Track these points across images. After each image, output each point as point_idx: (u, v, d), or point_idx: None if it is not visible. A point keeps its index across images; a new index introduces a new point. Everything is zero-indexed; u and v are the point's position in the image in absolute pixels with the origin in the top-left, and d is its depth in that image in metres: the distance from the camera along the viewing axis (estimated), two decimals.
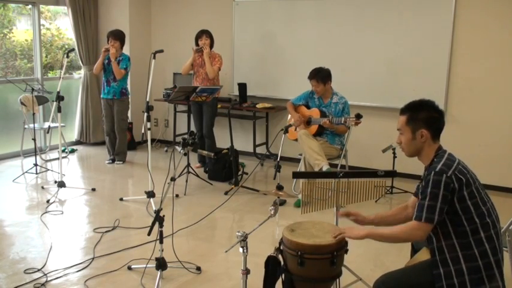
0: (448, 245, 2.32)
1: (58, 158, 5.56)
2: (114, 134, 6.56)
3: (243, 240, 2.68)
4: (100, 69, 6.29)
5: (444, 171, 2.29)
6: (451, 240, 2.31)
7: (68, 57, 5.35)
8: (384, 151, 5.32)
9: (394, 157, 5.39)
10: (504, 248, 2.64)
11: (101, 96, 6.49)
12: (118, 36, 6.17)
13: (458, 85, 5.70)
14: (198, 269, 3.62)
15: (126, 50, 6.89)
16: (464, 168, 2.35)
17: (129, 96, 6.63)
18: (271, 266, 2.77)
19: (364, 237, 2.48)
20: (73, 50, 7.15)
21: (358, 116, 4.80)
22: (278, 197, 4.61)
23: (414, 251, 2.74)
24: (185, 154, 3.46)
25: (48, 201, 5.03)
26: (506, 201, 5.29)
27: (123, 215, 4.70)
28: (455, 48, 5.64)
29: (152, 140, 6.39)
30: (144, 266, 3.55)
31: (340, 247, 2.70)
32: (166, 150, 7.38)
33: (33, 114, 6.27)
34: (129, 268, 3.62)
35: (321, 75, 5.15)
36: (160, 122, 7.85)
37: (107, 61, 6.25)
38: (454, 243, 2.30)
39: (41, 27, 7.10)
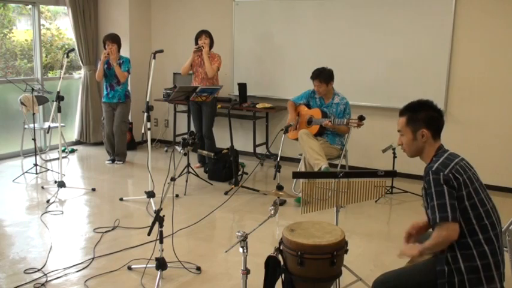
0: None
1: (58, 158, 5.56)
2: (114, 136, 6.55)
3: (243, 240, 2.68)
4: (102, 76, 6.28)
5: (441, 170, 2.30)
6: None
7: (68, 57, 5.35)
8: (384, 151, 5.31)
9: (394, 157, 5.38)
10: (504, 248, 2.64)
11: (103, 100, 6.47)
12: (115, 39, 6.17)
13: (458, 85, 5.70)
14: (198, 269, 3.62)
15: (126, 50, 6.91)
16: (462, 167, 2.34)
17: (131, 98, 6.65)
18: (271, 266, 2.77)
19: (419, 254, 2.43)
20: (73, 50, 7.14)
21: (361, 118, 4.79)
22: (278, 197, 4.60)
23: None
24: (185, 154, 3.46)
25: (48, 201, 5.03)
26: (506, 201, 5.28)
27: (123, 215, 4.70)
28: (455, 48, 5.64)
29: (152, 140, 6.39)
30: (144, 266, 3.55)
31: (340, 247, 2.70)
32: (166, 150, 7.38)
33: (33, 114, 6.26)
34: (129, 268, 3.62)
35: (323, 76, 5.15)
36: (160, 122, 7.85)
37: (106, 66, 6.25)
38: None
39: (41, 27, 7.10)
